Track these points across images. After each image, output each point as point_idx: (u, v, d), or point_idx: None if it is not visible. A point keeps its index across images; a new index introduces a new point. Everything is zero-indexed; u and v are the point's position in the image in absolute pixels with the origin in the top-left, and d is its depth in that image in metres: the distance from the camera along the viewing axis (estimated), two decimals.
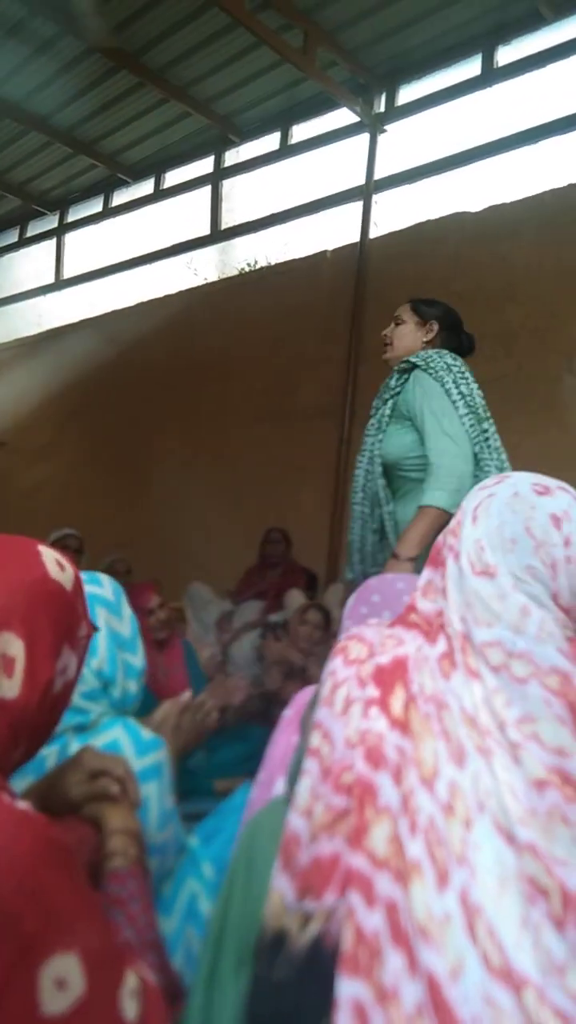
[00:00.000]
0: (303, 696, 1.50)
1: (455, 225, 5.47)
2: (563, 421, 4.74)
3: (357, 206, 6.11)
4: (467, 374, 2.52)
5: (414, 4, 5.22)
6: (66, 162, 7.67)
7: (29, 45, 5.95)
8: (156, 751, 1.32)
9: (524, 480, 0.99)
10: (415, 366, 2.52)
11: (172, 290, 7.32)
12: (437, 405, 2.42)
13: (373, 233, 5.95)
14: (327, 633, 4.14)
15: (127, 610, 1.44)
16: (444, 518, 2.31)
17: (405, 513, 2.51)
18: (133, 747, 1.29)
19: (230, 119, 6.73)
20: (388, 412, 2.57)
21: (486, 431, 2.55)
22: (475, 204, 5.46)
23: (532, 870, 0.74)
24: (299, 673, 3.54)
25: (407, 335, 2.68)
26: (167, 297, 7.28)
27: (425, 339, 2.67)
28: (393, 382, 2.59)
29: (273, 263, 6.78)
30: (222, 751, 2.91)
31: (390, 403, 2.57)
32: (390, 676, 0.87)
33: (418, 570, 2.04)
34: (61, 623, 0.88)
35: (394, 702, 0.85)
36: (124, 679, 1.37)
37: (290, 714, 1.45)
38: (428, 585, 0.97)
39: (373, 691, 0.86)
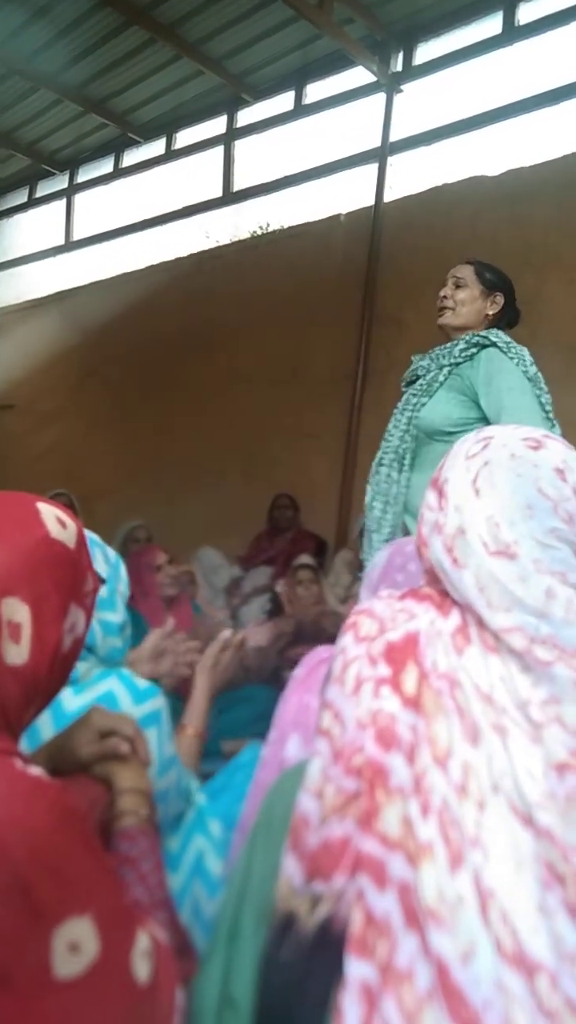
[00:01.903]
0: (314, 656, 1.48)
1: (473, 189, 5.37)
2: None
3: (372, 168, 6.00)
4: (540, 377, 2.42)
5: None
6: (76, 121, 7.53)
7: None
8: (153, 698, 1.31)
9: (512, 438, 0.94)
10: (494, 344, 2.40)
11: (183, 252, 7.23)
12: (518, 385, 2.32)
13: (388, 196, 5.85)
14: (320, 586, 4.16)
15: (102, 565, 1.41)
16: None
17: (420, 481, 2.46)
18: (129, 696, 1.28)
19: (243, 78, 6.60)
20: (442, 379, 2.46)
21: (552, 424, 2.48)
22: (494, 168, 5.35)
23: (549, 855, 0.72)
24: (308, 637, 3.55)
25: (471, 302, 2.56)
26: (178, 260, 7.19)
27: (490, 311, 2.57)
28: (458, 351, 2.46)
29: (286, 226, 6.68)
30: (230, 712, 2.92)
31: (446, 370, 2.46)
32: (401, 653, 0.84)
33: None
34: (66, 583, 0.87)
35: (406, 680, 0.82)
36: (104, 637, 1.36)
37: (301, 673, 1.43)
38: (425, 574, 0.94)
39: (384, 669, 0.83)
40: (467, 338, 2.46)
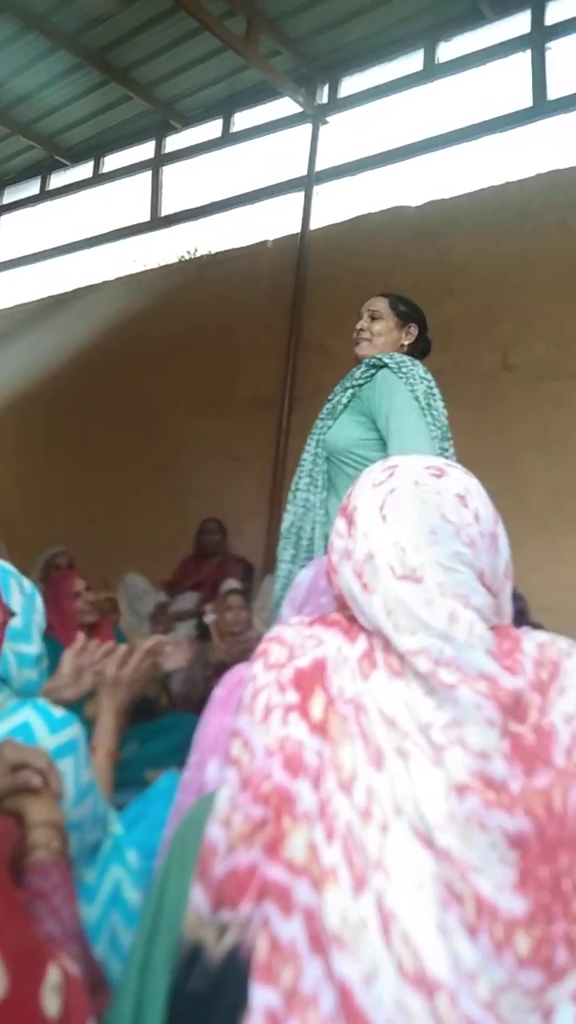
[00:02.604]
0: (233, 676, 1.48)
1: (395, 219, 5.50)
2: (499, 417, 4.81)
3: (298, 197, 6.10)
4: (436, 391, 2.52)
5: None
6: (1, 142, 7.49)
7: None
8: (69, 727, 1.29)
9: (415, 467, 0.98)
10: (386, 365, 2.49)
11: (110, 276, 7.22)
12: (404, 407, 2.40)
13: (314, 224, 5.94)
14: (250, 612, 4.17)
15: (16, 596, 1.40)
16: None
17: (335, 505, 2.52)
18: (45, 726, 1.26)
19: (172, 105, 6.65)
20: (344, 401, 2.55)
21: (446, 451, 2.56)
22: (415, 199, 5.49)
23: (448, 875, 0.74)
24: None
25: (386, 333, 2.65)
26: (104, 283, 7.18)
27: (405, 342, 2.66)
28: (358, 374, 2.56)
29: (213, 252, 6.73)
30: (155, 741, 2.90)
31: (349, 392, 2.55)
32: (309, 679, 0.86)
33: None
34: None
35: (313, 706, 0.83)
36: (20, 669, 1.34)
37: (221, 694, 1.43)
38: (335, 600, 0.95)
39: (292, 696, 0.85)
40: (366, 361, 2.56)
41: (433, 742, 0.78)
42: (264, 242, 6.18)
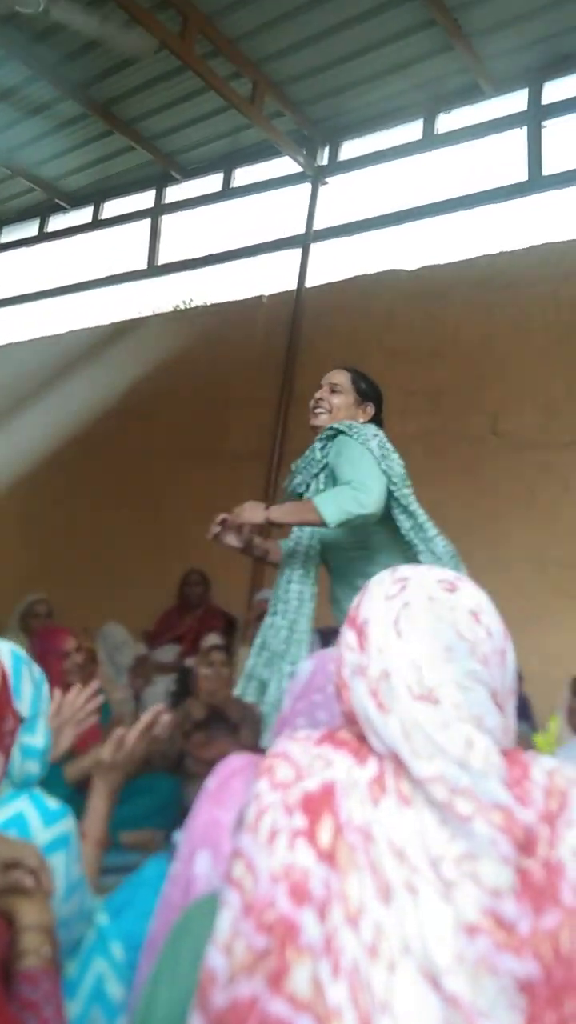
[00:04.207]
0: (226, 767, 1.46)
1: (390, 281, 5.58)
2: (485, 482, 4.85)
3: (295, 253, 6.19)
4: (388, 446, 2.55)
5: (361, 67, 5.35)
6: (2, 183, 7.57)
7: None
8: (63, 820, 1.27)
9: (428, 580, 0.97)
10: (340, 432, 2.53)
11: (104, 321, 7.26)
12: (356, 456, 2.45)
13: (309, 282, 6.02)
14: (231, 669, 4.14)
15: (27, 686, 1.36)
16: (316, 523, 2.35)
17: (343, 592, 2.52)
18: (40, 818, 1.24)
19: (173, 157, 6.75)
20: (322, 487, 2.55)
21: (408, 496, 2.57)
22: (410, 263, 5.59)
23: (455, 1022, 0.72)
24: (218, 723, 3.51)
25: (344, 408, 2.67)
26: (98, 327, 7.22)
27: (360, 419, 2.68)
28: (319, 454, 2.58)
29: (209, 303, 6.79)
30: (130, 803, 2.84)
31: (321, 477, 2.56)
32: (318, 804, 0.84)
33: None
34: None
35: (321, 832, 0.82)
36: (23, 762, 1.31)
37: (212, 786, 1.41)
38: (343, 715, 0.95)
39: (300, 820, 0.83)
40: (320, 436, 2.59)
41: (444, 877, 0.77)
42: (260, 297, 6.25)
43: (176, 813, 3.36)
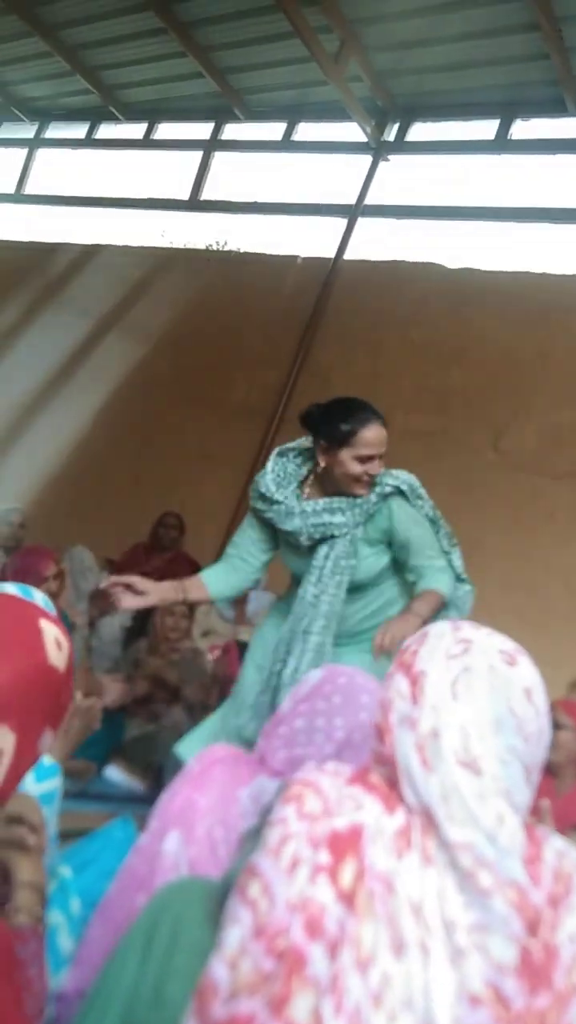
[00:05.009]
0: (209, 754, 1.48)
1: (427, 274, 5.54)
2: (475, 495, 4.87)
3: (340, 223, 6.10)
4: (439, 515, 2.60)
5: (452, 52, 5.27)
6: (60, 77, 7.32)
7: None
8: (54, 777, 1.28)
9: (491, 648, 0.99)
10: (400, 492, 2.47)
11: (132, 243, 7.12)
12: (426, 528, 2.50)
13: (348, 255, 5.95)
14: (190, 621, 4.15)
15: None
16: (443, 603, 2.43)
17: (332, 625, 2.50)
18: (33, 771, 1.25)
19: (241, 95, 6.59)
20: (360, 535, 2.47)
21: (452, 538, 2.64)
22: (450, 259, 5.56)
23: None
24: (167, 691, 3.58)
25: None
26: (125, 248, 7.07)
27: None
28: (371, 505, 2.47)
29: (242, 250, 6.69)
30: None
31: (361, 528, 2.46)
32: (344, 844, 0.86)
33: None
34: (51, 710, 0.86)
35: (344, 873, 0.84)
36: None
37: (195, 769, 1.43)
38: (377, 755, 0.96)
39: (325, 857, 0.85)
40: (377, 491, 2.46)
41: (455, 943, 0.80)
42: (295, 257, 6.17)
43: (109, 748, 3.41)
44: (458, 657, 0.97)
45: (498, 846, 0.85)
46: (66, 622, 3.67)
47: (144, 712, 3.62)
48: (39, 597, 1.30)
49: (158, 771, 3.21)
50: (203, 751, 1.46)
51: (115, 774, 3.26)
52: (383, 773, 0.94)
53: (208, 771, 1.42)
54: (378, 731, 0.97)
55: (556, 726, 2.49)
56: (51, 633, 0.89)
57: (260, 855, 0.88)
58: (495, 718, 0.92)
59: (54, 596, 3.05)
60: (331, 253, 5.97)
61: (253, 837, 0.95)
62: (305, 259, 6.14)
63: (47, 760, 1.26)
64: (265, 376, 5.85)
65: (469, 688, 0.94)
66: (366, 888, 0.83)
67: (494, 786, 0.88)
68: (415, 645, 1.01)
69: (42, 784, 1.22)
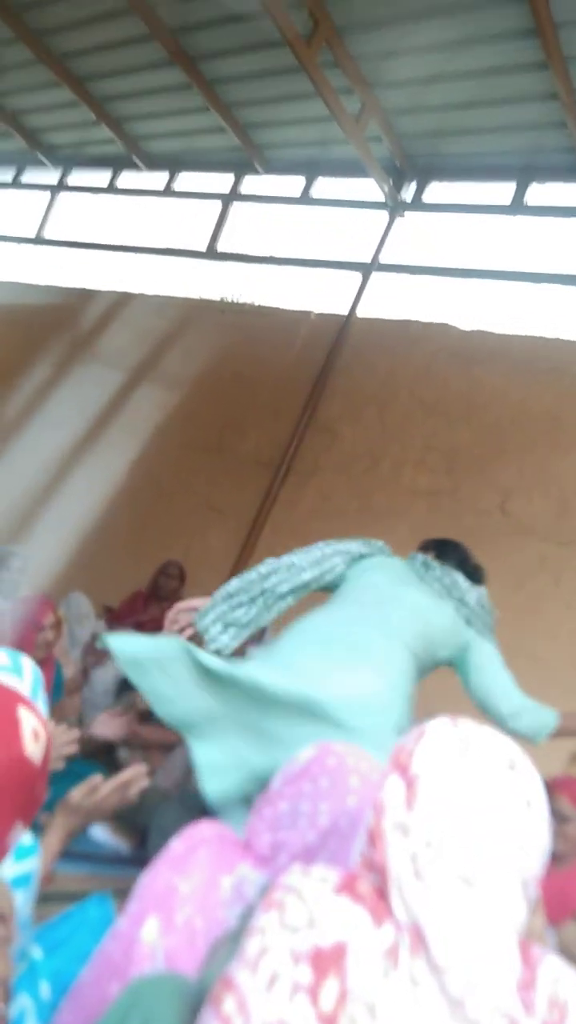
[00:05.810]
0: (194, 834, 1.41)
1: (439, 334, 5.55)
2: (478, 556, 4.81)
3: (355, 277, 6.13)
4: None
5: (471, 117, 5.35)
6: (84, 126, 7.46)
7: None
8: (31, 857, 1.22)
9: (491, 752, 0.93)
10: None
11: (147, 291, 7.17)
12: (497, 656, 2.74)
13: (361, 311, 5.98)
14: None
15: (40, 705, 1.30)
16: None
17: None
18: (13, 851, 1.19)
19: (262, 149, 6.69)
20: (453, 611, 2.66)
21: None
22: (462, 320, 5.57)
23: None
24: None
25: None
26: (141, 296, 7.13)
27: None
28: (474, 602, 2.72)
29: (256, 304, 6.73)
30: (55, 786, 2.79)
31: (463, 613, 2.66)
32: (327, 963, 0.79)
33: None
34: (25, 805, 0.81)
35: (325, 994, 0.77)
36: None
37: (178, 850, 1.36)
38: (367, 860, 0.90)
39: (305, 975, 0.78)
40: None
41: None
42: (308, 312, 6.20)
43: None
44: (456, 761, 0.91)
45: (490, 972, 0.78)
46: (59, 671, 3.61)
47: (138, 756, 3.54)
48: (27, 665, 1.25)
49: (144, 832, 3.12)
50: (188, 829, 1.39)
51: (100, 833, 3.16)
52: (373, 881, 0.88)
53: (192, 853, 1.36)
54: (370, 836, 0.91)
55: (562, 817, 2.40)
56: (29, 724, 0.84)
57: (237, 966, 0.82)
58: (494, 829, 0.86)
59: (50, 645, 3.00)
60: (344, 308, 6.00)
61: (232, 942, 0.89)
62: (318, 315, 6.17)
63: (27, 839, 1.20)
64: (275, 428, 5.84)
65: (466, 795, 0.88)
66: (348, 1014, 0.76)
67: (490, 903, 0.82)
68: (412, 744, 0.95)
69: (19, 864, 1.16)
